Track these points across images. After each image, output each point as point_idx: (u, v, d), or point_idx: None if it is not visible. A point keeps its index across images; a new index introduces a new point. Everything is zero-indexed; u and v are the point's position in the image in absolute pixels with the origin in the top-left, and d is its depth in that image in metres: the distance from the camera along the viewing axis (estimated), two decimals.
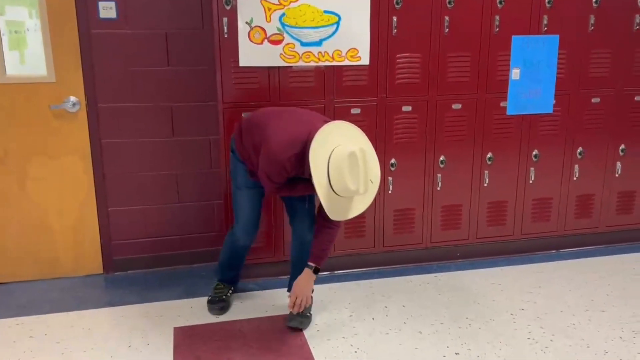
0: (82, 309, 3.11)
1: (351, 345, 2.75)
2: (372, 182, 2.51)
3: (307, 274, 2.78)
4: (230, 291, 3.12)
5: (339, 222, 2.69)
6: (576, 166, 3.69)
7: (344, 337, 2.80)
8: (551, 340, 2.78)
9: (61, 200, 3.38)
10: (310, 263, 2.77)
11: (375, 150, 3.28)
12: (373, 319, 2.99)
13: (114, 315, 3.04)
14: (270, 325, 2.91)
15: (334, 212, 2.50)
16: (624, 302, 3.16)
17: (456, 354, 2.67)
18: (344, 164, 2.38)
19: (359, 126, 3.24)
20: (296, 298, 2.78)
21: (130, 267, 3.56)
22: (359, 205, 2.57)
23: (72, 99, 3.25)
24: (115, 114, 3.34)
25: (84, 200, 3.41)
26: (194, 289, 3.33)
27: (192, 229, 3.61)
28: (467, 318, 2.99)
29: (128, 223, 3.51)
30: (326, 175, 2.40)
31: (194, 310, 3.05)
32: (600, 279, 3.45)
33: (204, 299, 3.11)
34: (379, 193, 3.36)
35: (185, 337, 2.79)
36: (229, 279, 3.14)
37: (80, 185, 3.38)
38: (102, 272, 3.54)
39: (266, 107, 2.98)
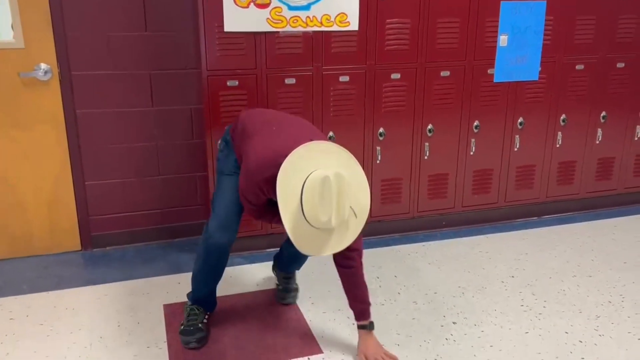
0: (63, 288, 2.97)
1: (348, 317, 2.69)
2: (355, 215, 2.10)
3: (367, 336, 2.42)
4: (206, 317, 2.57)
5: (354, 256, 2.28)
6: (559, 133, 3.71)
7: (339, 310, 2.76)
8: (544, 307, 2.81)
9: (34, 175, 3.19)
10: (360, 324, 2.42)
11: (364, 119, 3.29)
12: None
13: (97, 294, 2.91)
14: (263, 300, 2.85)
15: (304, 245, 2.08)
16: (608, 267, 3.22)
17: (453, 322, 2.67)
18: (315, 190, 2.00)
19: (348, 94, 3.22)
20: None
21: (110, 243, 3.42)
22: (340, 241, 2.11)
23: (43, 66, 3.05)
24: (90, 83, 3.15)
25: (58, 174, 3.23)
26: (179, 264, 3.23)
27: (174, 202, 3.48)
28: (459, 287, 2.99)
29: (106, 197, 3.35)
30: (299, 200, 2.03)
31: (182, 287, 2.94)
32: (583, 244, 3.50)
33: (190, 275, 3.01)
34: (367, 163, 3.33)
35: (176, 315, 2.69)
36: (203, 299, 2.59)
37: (54, 158, 3.20)
38: (79, 249, 3.39)
39: (262, 108, 2.81)
